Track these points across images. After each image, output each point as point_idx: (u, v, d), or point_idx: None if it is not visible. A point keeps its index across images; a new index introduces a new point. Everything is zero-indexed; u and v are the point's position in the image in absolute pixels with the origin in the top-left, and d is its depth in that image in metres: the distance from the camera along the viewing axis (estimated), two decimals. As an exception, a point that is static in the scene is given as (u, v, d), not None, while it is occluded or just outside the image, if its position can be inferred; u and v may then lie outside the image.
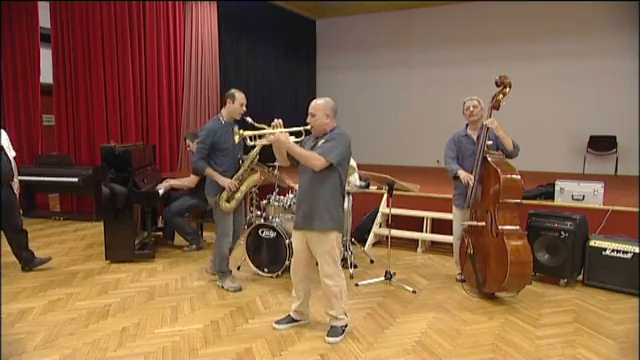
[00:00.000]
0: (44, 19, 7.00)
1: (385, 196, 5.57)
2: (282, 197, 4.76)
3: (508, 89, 3.90)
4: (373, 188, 5.74)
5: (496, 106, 3.90)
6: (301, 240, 3.12)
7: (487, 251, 3.79)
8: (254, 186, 4.05)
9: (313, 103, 3.07)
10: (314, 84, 11.06)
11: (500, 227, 3.69)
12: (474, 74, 8.74)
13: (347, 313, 3.20)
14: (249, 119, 3.60)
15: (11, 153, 4.37)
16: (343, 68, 10.71)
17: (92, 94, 6.81)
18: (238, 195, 3.89)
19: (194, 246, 5.24)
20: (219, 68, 7.79)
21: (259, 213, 4.85)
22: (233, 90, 3.92)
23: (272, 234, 4.31)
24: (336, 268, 3.08)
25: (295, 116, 10.53)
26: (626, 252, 3.99)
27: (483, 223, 3.82)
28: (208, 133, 3.87)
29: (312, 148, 3.03)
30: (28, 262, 4.44)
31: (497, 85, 3.96)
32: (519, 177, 3.79)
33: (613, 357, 2.93)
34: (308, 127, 3.06)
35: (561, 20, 8.55)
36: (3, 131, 4.35)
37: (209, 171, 3.87)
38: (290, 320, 3.30)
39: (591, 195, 4.75)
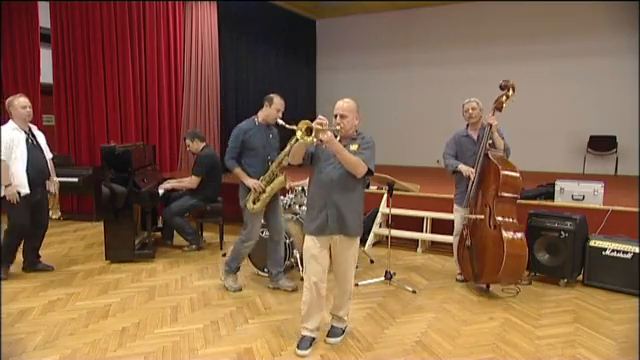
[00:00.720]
0: (44, 19, 7.00)
1: (385, 196, 5.56)
2: (282, 197, 4.76)
3: (512, 92, 3.95)
4: (373, 188, 5.74)
5: (499, 108, 3.98)
6: (325, 246, 2.96)
7: (484, 243, 3.89)
8: (282, 188, 3.94)
9: (343, 105, 2.91)
10: (314, 84, 11.06)
11: (498, 219, 3.80)
12: (474, 74, 8.74)
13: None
14: (281, 121, 3.52)
15: (48, 155, 4.42)
16: (343, 68, 10.71)
17: (92, 94, 6.81)
18: (264, 196, 3.80)
19: (194, 246, 5.24)
20: (219, 68, 7.79)
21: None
22: (272, 95, 3.85)
23: (272, 234, 4.31)
24: (354, 271, 3.14)
25: (295, 116, 10.50)
26: (626, 252, 3.99)
27: (482, 216, 3.92)
28: (238, 132, 3.84)
29: None
30: (31, 265, 4.45)
31: (501, 88, 4.00)
32: (518, 174, 3.89)
33: (613, 357, 2.93)
34: (337, 128, 2.87)
35: (561, 20, 8.55)
36: (40, 132, 4.43)
37: (237, 170, 3.84)
38: (312, 340, 3.01)
39: (591, 195, 4.75)
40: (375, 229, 5.53)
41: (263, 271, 4.35)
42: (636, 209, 4.58)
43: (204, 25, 7.54)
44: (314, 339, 3.03)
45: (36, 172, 4.19)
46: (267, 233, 4.33)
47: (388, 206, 4.71)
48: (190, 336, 3.17)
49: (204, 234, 5.61)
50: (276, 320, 3.42)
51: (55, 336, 3.14)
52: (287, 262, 4.25)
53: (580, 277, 4.24)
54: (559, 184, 4.93)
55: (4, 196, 4.03)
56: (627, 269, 3.97)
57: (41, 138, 4.40)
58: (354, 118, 2.93)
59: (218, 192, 5.37)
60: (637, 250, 3.94)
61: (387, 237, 4.54)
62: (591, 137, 8.49)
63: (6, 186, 4.01)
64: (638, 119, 7.90)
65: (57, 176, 6.38)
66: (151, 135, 7.01)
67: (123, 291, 4.01)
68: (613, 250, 4.05)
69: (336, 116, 2.90)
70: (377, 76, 10.35)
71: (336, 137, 2.82)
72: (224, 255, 5.05)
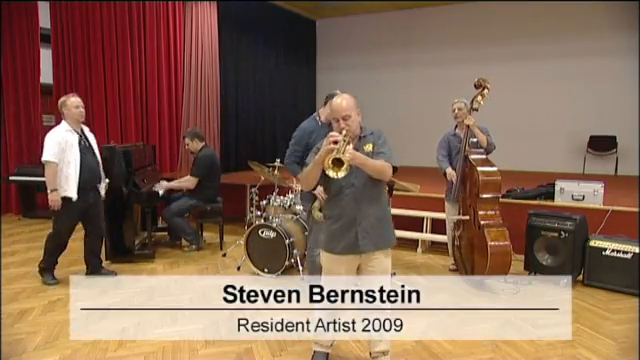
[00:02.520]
0: (44, 19, 7.01)
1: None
2: (282, 197, 4.77)
3: (486, 91, 4.05)
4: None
5: (475, 108, 4.06)
6: (353, 265, 2.60)
7: (472, 242, 4.10)
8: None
9: (343, 103, 2.45)
10: (314, 84, 11.07)
11: (481, 221, 3.97)
12: (474, 74, 8.65)
13: None
14: None
15: (98, 156, 4.24)
16: (343, 68, 10.71)
17: (92, 94, 6.81)
18: None
19: (194, 246, 5.24)
20: (219, 68, 7.79)
21: (259, 213, 4.85)
22: (335, 92, 3.55)
23: (272, 234, 4.31)
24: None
25: (295, 116, 10.51)
26: (626, 252, 3.99)
27: (467, 217, 4.13)
28: (303, 134, 3.54)
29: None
30: (95, 270, 4.32)
31: (476, 87, 4.12)
32: (497, 175, 4.04)
33: (613, 357, 2.93)
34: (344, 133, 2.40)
35: (561, 20, 8.55)
36: (92, 134, 4.26)
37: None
38: (327, 357, 2.82)
39: (591, 195, 4.75)
40: (375, 229, 5.53)
41: (263, 271, 4.35)
42: (636, 209, 4.58)
43: (204, 25, 7.54)
44: (328, 355, 2.77)
45: (89, 176, 4.02)
46: (267, 233, 4.34)
47: (388, 206, 4.70)
48: (190, 336, 3.16)
49: (204, 234, 5.60)
50: (276, 320, 3.41)
51: (55, 336, 3.14)
52: (287, 263, 4.25)
53: (580, 277, 4.24)
54: (559, 184, 4.93)
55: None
56: (627, 269, 3.97)
57: (92, 139, 4.22)
58: (357, 116, 2.51)
59: (218, 192, 5.37)
60: (637, 250, 3.94)
61: (387, 237, 4.53)
62: (591, 137, 8.49)
63: (51, 190, 3.86)
64: (638, 119, 7.89)
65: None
66: (151, 135, 7.02)
67: (123, 291, 4.00)
68: (613, 250, 4.05)
69: (338, 120, 2.45)
70: (377, 76, 10.35)
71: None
72: (224, 255, 5.05)
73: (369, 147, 2.50)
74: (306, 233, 4.59)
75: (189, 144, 5.27)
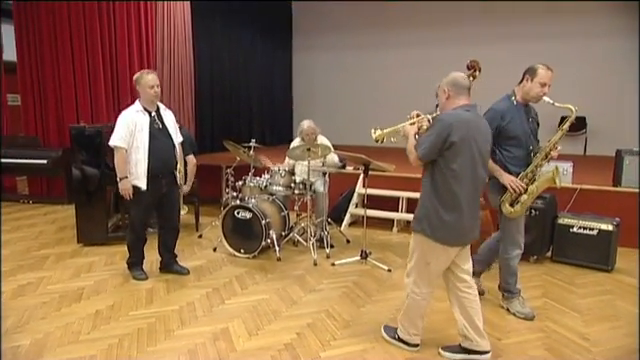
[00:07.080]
0: (5, -7, 6.68)
1: (361, 176, 5.59)
2: (258, 178, 4.74)
3: (478, 73, 3.99)
4: (349, 168, 5.76)
5: None
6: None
7: None
8: (547, 188, 3.24)
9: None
10: (290, 65, 10.93)
11: None
12: (451, 55, 8.76)
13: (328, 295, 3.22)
14: (548, 99, 3.08)
15: (177, 138, 3.84)
16: (320, 49, 10.60)
17: (59, 71, 6.55)
18: (524, 198, 3.08)
19: None
20: (192, 49, 7.59)
21: (235, 194, 4.82)
22: (537, 65, 3.18)
23: (248, 215, 4.29)
24: None
25: (271, 97, 10.30)
26: (592, 229, 4.16)
27: None
28: (494, 115, 3.06)
29: None
30: (167, 265, 4.01)
31: (468, 69, 4.05)
32: None
33: (578, 329, 3.06)
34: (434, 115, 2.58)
35: (533, 2, 8.63)
36: (169, 112, 3.86)
37: (490, 164, 2.97)
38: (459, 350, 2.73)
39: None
40: (351, 209, 5.57)
41: (239, 252, 4.35)
42: (603, 187, 4.74)
43: (177, 5, 7.30)
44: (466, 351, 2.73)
45: (159, 162, 3.63)
46: (243, 214, 4.32)
47: (364, 186, 4.73)
48: (166, 317, 3.15)
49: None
50: (253, 300, 3.44)
51: (26, 320, 3.08)
52: (263, 243, 4.25)
53: (549, 253, 4.39)
54: (530, 164, 5.04)
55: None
56: (593, 245, 4.15)
57: (169, 118, 3.80)
58: (442, 95, 2.60)
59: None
60: (602, 227, 4.12)
61: (363, 217, 4.58)
62: (562, 118, 8.65)
63: (120, 179, 3.59)
64: (638, 111, 8.04)
65: (24, 158, 6.29)
66: (123, 115, 6.82)
67: (96, 274, 3.94)
68: (580, 227, 4.21)
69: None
70: (354, 57, 10.30)
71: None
72: (200, 237, 5.01)
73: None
74: (282, 214, 4.59)
75: None
